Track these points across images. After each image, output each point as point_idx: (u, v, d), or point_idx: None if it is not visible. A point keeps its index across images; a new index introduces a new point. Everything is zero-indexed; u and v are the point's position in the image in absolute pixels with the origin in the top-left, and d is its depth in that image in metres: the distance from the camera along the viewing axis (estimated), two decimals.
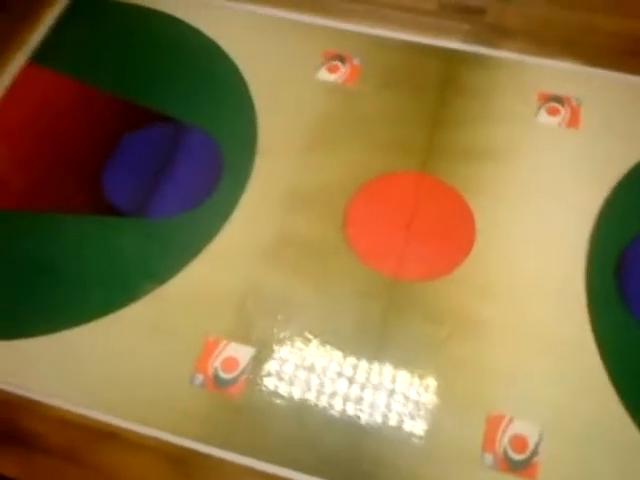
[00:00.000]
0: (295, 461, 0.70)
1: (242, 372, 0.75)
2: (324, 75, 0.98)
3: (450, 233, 0.84)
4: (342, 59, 1.00)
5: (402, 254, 0.82)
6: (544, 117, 0.92)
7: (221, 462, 0.69)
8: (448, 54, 0.99)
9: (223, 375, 0.75)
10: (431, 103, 0.94)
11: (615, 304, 0.78)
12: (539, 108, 0.93)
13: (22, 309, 0.80)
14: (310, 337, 0.76)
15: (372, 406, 0.72)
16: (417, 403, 0.72)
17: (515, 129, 0.91)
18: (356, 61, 0.99)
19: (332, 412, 0.72)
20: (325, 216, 0.85)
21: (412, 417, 0.72)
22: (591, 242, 0.82)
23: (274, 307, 0.78)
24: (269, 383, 0.74)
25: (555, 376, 0.74)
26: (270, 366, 0.75)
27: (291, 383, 0.74)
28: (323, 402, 0.73)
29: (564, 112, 0.93)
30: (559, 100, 0.94)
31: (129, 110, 0.96)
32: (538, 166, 0.88)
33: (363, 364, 0.74)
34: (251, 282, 0.80)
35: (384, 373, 0.74)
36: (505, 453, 0.69)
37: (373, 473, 0.69)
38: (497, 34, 0.98)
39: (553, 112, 0.93)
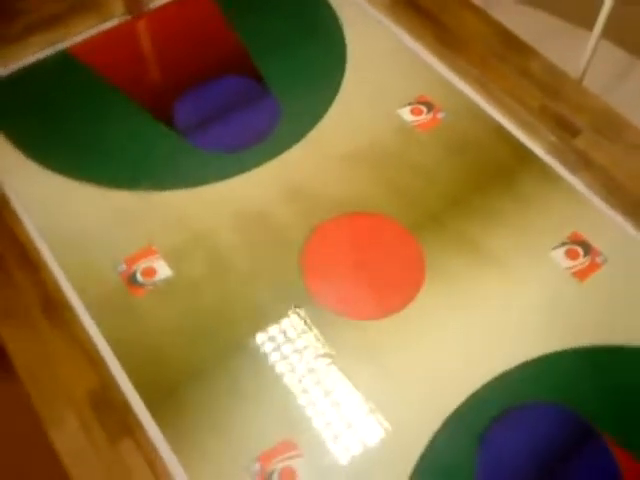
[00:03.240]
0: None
1: (152, 283, 0.85)
2: (405, 113, 1.02)
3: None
4: (430, 107, 1.03)
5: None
6: (559, 254, 0.89)
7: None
8: (524, 153, 0.98)
9: (139, 278, 0.86)
10: (472, 184, 0.95)
11: None
12: (561, 244, 0.90)
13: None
14: None
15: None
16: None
17: (527, 248, 0.89)
18: (440, 115, 1.02)
19: None
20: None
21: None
22: None
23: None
24: (167, 302, 0.84)
25: None
26: (175, 295, 0.84)
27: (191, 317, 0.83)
28: None
29: (582, 261, 0.88)
30: (586, 248, 0.89)
31: (238, 59, 1.09)
32: (514, 291, 0.86)
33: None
34: None
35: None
36: None
37: None
38: (578, 161, 0.95)
39: (572, 255, 0.89)
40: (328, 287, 0.86)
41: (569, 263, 0.89)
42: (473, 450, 0.75)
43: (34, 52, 1.07)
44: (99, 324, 0.81)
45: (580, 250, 0.90)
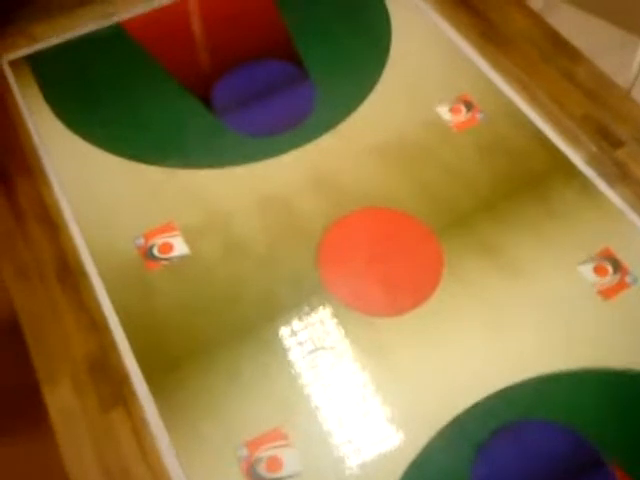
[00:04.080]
0: None
1: (168, 259, 0.86)
2: (443, 110, 1.00)
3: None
4: (469, 107, 1.00)
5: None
6: (586, 270, 0.85)
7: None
8: (561, 161, 0.94)
9: (155, 252, 0.87)
10: (504, 189, 0.91)
11: None
12: (590, 259, 0.85)
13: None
14: None
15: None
16: None
17: (553, 260, 0.86)
18: (479, 115, 0.99)
19: None
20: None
21: None
22: None
23: None
24: (179, 279, 0.84)
25: None
26: (189, 273, 0.85)
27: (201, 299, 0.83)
28: None
29: (610, 279, 0.84)
30: (616, 266, 0.85)
31: (281, 43, 1.09)
32: (533, 303, 0.82)
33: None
34: None
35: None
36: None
37: None
38: (618, 173, 0.90)
39: (600, 271, 0.85)
40: (343, 280, 0.84)
41: (596, 279, 0.84)
42: (469, 461, 0.72)
43: (87, 23, 1.10)
44: (110, 292, 0.82)
45: (609, 267, 0.86)
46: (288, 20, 1.11)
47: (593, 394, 0.77)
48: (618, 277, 0.85)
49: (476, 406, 0.76)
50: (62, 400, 0.69)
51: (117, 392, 0.72)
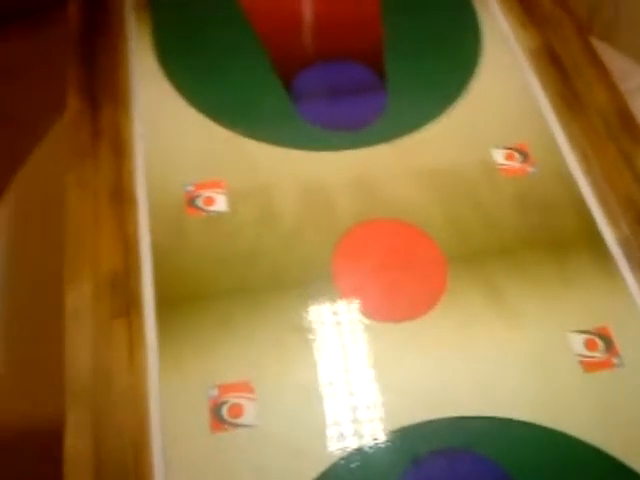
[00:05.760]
0: None
1: (207, 211, 0.95)
2: (499, 153, 1.04)
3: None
4: (524, 158, 1.04)
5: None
6: (576, 339, 0.87)
7: None
8: (592, 233, 0.96)
9: (199, 202, 0.96)
10: (527, 241, 0.95)
11: None
12: (585, 331, 0.88)
13: None
14: None
15: None
16: None
17: (548, 319, 0.89)
18: (530, 169, 1.03)
19: None
20: None
21: None
22: None
23: None
24: (212, 230, 0.94)
25: None
26: (221, 228, 0.93)
27: None
28: None
29: (597, 355, 0.86)
30: (609, 346, 0.87)
31: (371, 48, 1.15)
32: (516, 349, 0.86)
33: None
34: None
35: None
36: None
37: None
38: None
39: (590, 345, 0.87)
40: (350, 276, 0.91)
41: (583, 351, 0.88)
42: (403, 467, 0.78)
43: None
44: (149, 223, 0.93)
45: (601, 344, 0.89)
46: (386, 28, 1.18)
47: (538, 448, 0.81)
48: (606, 356, 0.87)
49: (431, 423, 0.82)
50: (79, 300, 0.80)
51: (127, 308, 0.82)
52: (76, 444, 0.72)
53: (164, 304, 0.87)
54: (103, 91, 1.02)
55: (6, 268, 1.16)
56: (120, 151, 0.96)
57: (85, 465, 0.71)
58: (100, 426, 0.73)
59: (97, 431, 0.73)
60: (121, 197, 0.92)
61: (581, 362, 0.87)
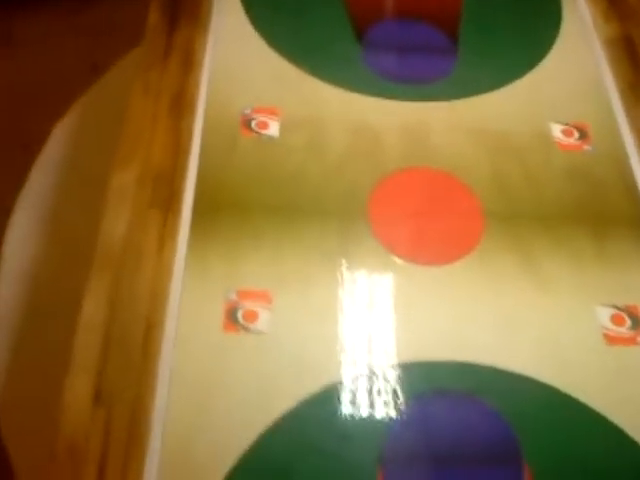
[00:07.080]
0: None
1: (259, 133, 0.98)
2: (557, 127, 1.03)
3: None
4: (583, 135, 1.02)
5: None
6: (603, 312, 0.85)
7: None
8: (637, 213, 0.94)
9: (252, 124, 0.99)
10: (570, 215, 0.94)
11: None
12: (614, 306, 0.86)
13: None
14: None
15: None
16: None
17: (577, 290, 0.87)
18: (586, 147, 1.01)
19: None
20: None
21: None
22: None
23: None
24: (260, 151, 0.96)
25: None
26: (269, 151, 0.96)
27: None
28: None
29: (623, 331, 0.84)
30: (636, 323, 0.85)
31: (449, 13, 1.16)
32: (541, 313, 0.85)
33: None
34: None
35: None
36: None
37: None
38: None
39: (617, 320, 0.85)
40: (386, 215, 0.92)
41: (608, 324, 0.86)
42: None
43: None
44: (203, 133, 0.96)
45: (629, 322, 0.86)
46: None
47: (545, 407, 0.79)
48: (632, 333, 0.85)
49: (441, 363, 0.81)
50: (124, 181, 0.84)
51: (167, 202, 0.86)
52: (92, 311, 0.75)
53: (201, 207, 0.90)
54: (183, 11, 1.07)
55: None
56: (189, 65, 1.00)
57: (97, 330, 0.74)
58: (118, 297, 0.77)
59: (115, 302, 0.76)
60: (182, 104, 0.95)
61: (605, 334, 0.84)
